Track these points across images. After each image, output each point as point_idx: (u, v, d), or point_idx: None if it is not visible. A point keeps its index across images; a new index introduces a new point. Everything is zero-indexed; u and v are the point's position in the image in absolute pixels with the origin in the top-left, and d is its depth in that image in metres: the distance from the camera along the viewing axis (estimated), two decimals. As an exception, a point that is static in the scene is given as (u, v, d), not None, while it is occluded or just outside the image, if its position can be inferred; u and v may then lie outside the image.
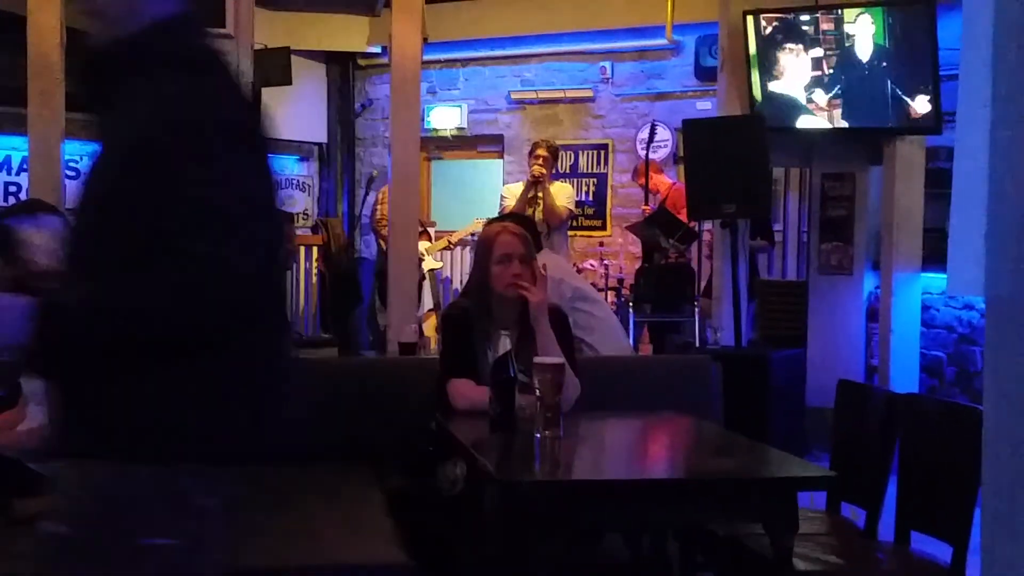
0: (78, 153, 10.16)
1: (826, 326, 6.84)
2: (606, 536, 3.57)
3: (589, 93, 10.95)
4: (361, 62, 12.10)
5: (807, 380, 6.57)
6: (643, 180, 8.69)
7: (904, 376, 6.37)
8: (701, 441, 3.64)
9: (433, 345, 7.92)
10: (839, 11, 6.35)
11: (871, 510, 3.38)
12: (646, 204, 8.53)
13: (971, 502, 2.85)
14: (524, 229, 3.79)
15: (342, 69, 12.20)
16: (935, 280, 6.68)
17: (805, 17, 6.47)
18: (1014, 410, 1.24)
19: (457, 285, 9.64)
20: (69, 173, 8.90)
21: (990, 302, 1.27)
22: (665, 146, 10.35)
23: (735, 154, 6.25)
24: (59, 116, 6.41)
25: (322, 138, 12.29)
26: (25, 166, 8.54)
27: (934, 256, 6.51)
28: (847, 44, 6.29)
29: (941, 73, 5.94)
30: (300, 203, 12.11)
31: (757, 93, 6.63)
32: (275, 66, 7.48)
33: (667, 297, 8.03)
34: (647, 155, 8.77)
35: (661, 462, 3.53)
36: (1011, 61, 1.25)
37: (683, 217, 7.76)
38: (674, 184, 8.86)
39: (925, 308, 6.73)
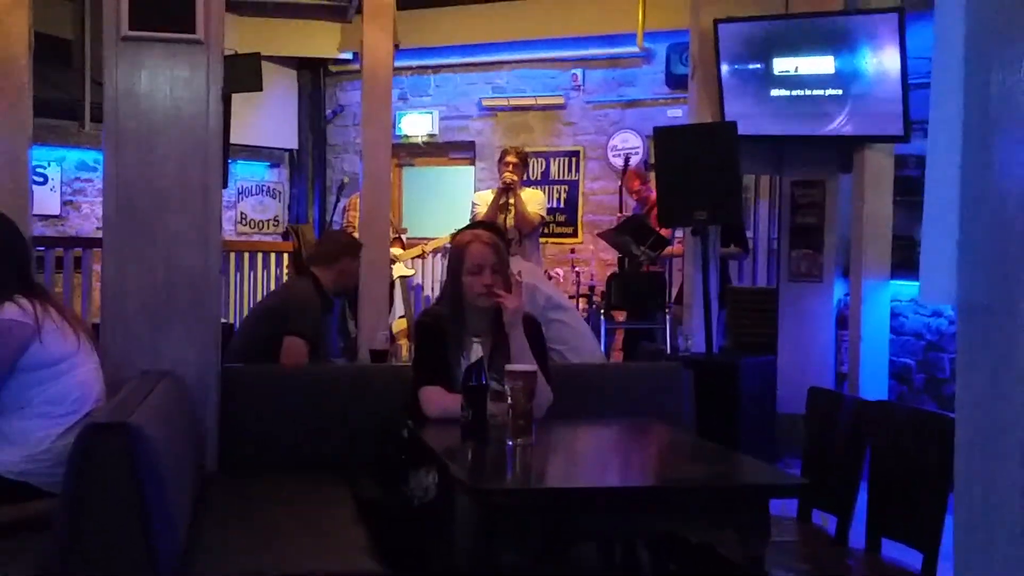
0: (45, 159, 10.11)
1: (796, 333, 6.87)
2: (578, 544, 3.56)
3: (560, 100, 10.96)
4: (332, 68, 12.08)
5: (778, 387, 6.59)
6: (632, 189, 8.79)
7: (873, 383, 6.40)
8: (673, 448, 3.64)
9: (405, 352, 7.89)
10: (809, 20, 6.39)
11: (842, 517, 3.39)
12: (620, 211, 8.58)
13: (941, 509, 2.86)
14: (496, 237, 3.77)
15: (313, 75, 12.18)
16: (904, 287, 6.71)
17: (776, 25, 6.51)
18: (986, 417, 1.24)
19: (429, 292, 9.62)
20: (36, 179, 8.83)
21: (962, 310, 1.27)
22: (636, 153, 10.39)
23: (706, 161, 6.26)
24: (27, 121, 6.34)
25: (293, 144, 12.25)
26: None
27: (903, 263, 6.54)
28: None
29: (910, 82, 5.97)
30: (271, 209, 12.07)
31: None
32: (246, 72, 7.41)
33: (638, 304, 8.05)
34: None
35: (633, 469, 3.53)
36: (983, 68, 1.25)
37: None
38: None
39: (894, 315, 6.77)
